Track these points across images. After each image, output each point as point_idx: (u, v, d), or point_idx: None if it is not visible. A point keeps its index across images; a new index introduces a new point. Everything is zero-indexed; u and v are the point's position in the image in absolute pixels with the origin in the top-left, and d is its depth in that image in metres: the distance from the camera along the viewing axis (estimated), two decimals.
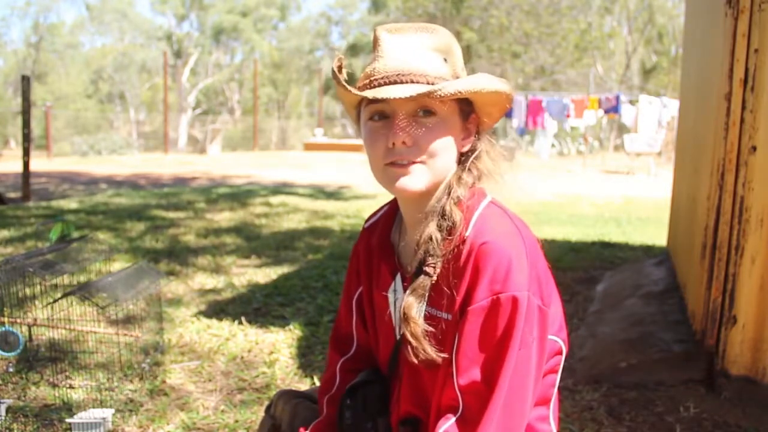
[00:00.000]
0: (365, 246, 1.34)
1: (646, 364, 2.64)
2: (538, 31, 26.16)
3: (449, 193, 1.15)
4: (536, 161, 16.39)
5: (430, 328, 1.13)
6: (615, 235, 6.08)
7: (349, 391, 1.30)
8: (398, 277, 1.23)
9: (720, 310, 2.45)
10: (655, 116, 14.81)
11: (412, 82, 1.10)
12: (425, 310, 1.14)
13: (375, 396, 1.29)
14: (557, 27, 26.18)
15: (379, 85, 1.11)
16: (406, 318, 1.13)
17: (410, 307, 1.14)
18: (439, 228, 1.13)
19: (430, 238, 1.13)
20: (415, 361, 1.13)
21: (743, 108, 2.33)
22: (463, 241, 1.10)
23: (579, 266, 4.54)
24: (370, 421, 1.27)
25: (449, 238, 1.12)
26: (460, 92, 1.09)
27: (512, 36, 26.53)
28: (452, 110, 1.14)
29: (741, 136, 2.34)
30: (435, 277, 1.13)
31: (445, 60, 1.14)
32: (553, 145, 18.80)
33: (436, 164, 1.13)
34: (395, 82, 1.10)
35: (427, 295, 1.15)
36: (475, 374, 1.07)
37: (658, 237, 5.66)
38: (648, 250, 5.13)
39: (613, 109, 14.81)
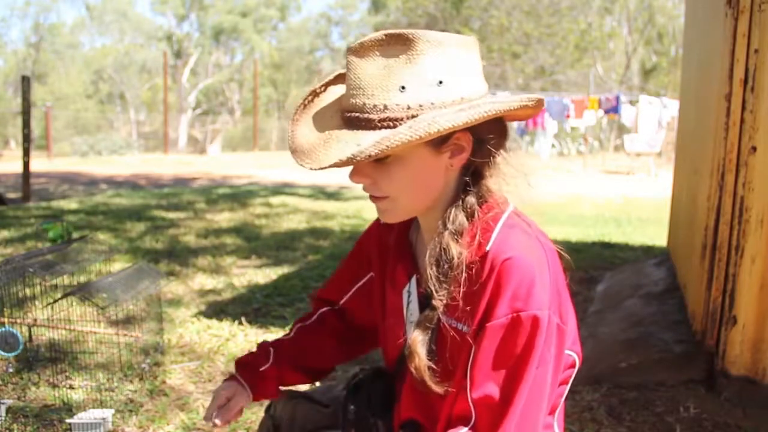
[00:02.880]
0: (378, 240, 1.33)
1: (646, 364, 2.64)
2: (538, 31, 26.16)
3: (446, 224, 1.10)
4: (536, 162, 16.36)
5: (433, 365, 1.11)
6: (615, 236, 6.08)
7: (354, 388, 1.30)
8: (413, 279, 1.22)
9: (720, 310, 2.45)
10: (655, 116, 14.80)
11: (355, 127, 1.04)
12: (443, 321, 1.11)
13: (379, 394, 1.29)
14: (557, 27, 26.18)
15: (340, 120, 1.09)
16: (410, 353, 1.11)
17: (416, 342, 1.11)
18: (438, 265, 1.09)
19: (431, 277, 1.10)
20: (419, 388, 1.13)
21: (743, 108, 2.33)
22: (485, 256, 1.06)
23: (579, 266, 4.54)
24: (373, 417, 1.27)
25: (456, 270, 1.07)
26: (380, 152, 0.97)
27: (512, 36, 26.53)
28: (412, 144, 1.01)
29: (741, 137, 2.34)
30: (442, 309, 1.10)
31: (403, 88, 1.02)
32: (553, 146, 18.76)
33: (400, 202, 1.10)
34: (346, 121, 1.06)
35: (434, 328, 1.12)
36: (490, 389, 1.05)
37: (658, 237, 5.66)
38: (648, 251, 5.13)
39: (613, 109, 14.80)
